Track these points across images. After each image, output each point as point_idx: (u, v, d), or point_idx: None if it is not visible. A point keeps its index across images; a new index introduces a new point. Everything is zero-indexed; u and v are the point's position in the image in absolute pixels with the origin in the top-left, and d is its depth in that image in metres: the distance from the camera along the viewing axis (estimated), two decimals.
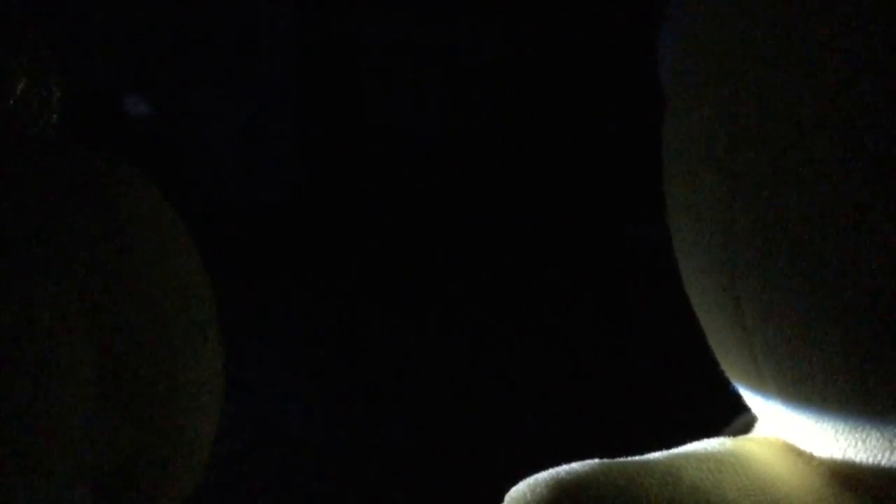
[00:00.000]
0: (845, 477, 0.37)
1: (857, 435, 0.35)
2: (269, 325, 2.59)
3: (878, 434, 0.34)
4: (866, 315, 0.33)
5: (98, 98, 2.97)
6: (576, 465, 0.37)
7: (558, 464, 0.37)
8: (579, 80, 2.95)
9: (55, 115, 0.44)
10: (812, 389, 0.35)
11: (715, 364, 0.41)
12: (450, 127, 3.17)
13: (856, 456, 0.36)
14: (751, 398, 0.40)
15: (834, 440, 0.36)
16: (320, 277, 2.89)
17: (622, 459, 0.37)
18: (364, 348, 2.50)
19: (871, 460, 0.35)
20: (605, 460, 0.37)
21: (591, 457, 0.37)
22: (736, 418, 0.46)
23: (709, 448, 0.39)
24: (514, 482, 0.37)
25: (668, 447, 0.40)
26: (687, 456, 0.38)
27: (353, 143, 3.24)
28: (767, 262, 0.35)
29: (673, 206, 0.40)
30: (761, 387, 0.38)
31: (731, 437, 0.41)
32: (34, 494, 0.36)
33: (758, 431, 0.43)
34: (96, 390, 0.40)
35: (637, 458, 0.38)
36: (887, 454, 0.35)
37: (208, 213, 2.86)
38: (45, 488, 0.37)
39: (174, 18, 3.17)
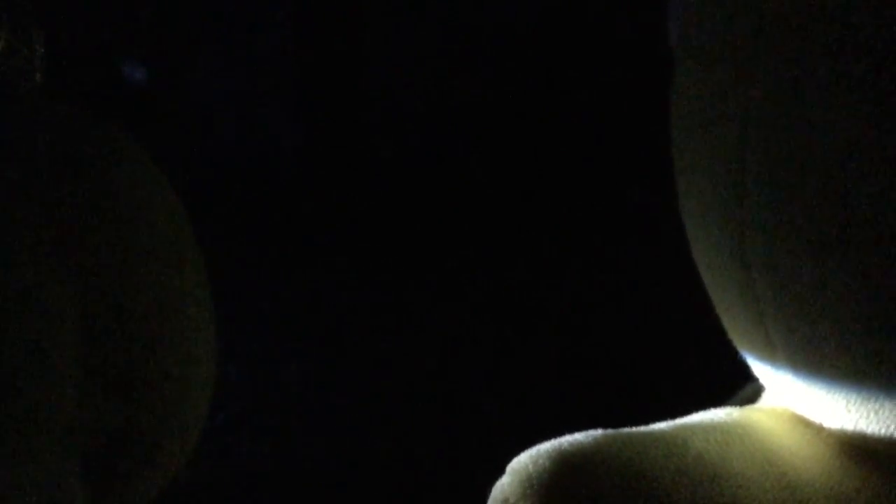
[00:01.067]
0: (856, 449, 0.36)
1: (869, 406, 0.34)
2: (265, 294, 2.59)
3: (891, 405, 0.34)
4: (882, 281, 0.32)
5: (94, 62, 2.94)
6: (579, 436, 0.36)
7: (561, 434, 0.36)
8: (583, 40, 2.93)
9: (39, 74, 0.43)
10: (823, 358, 0.34)
11: (723, 333, 0.40)
12: (449, 94, 3.15)
13: (867, 427, 0.35)
14: (759, 367, 0.39)
15: (845, 411, 0.35)
16: (317, 245, 2.88)
17: (627, 430, 0.37)
18: (361, 315, 2.50)
19: (883, 432, 0.35)
20: (610, 430, 0.36)
21: (596, 427, 0.37)
22: (743, 388, 0.45)
23: (715, 418, 0.39)
24: (517, 453, 0.36)
25: (674, 417, 0.39)
26: (693, 426, 0.38)
27: (353, 108, 3.22)
28: (779, 227, 0.34)
29: (681, 168, 0.39)
30: (770, 356, 0.37)
31: (738, 407, 0.41)
32: (22, 473, 0.35)
33: (765, 401, 0.42)
34: (83, 364, 0.39)
35: (642, 428, 0.37)
36: None
37: (203, 179, 2.85)
38: (34, 467, 0.36)
39: None
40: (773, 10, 0.34)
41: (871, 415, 0.34)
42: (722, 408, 0.40)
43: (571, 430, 0.37)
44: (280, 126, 3.23)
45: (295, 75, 3.19)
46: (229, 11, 3.16)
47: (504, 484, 0.35)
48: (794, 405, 0.39)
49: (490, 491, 0.36)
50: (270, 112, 3.22)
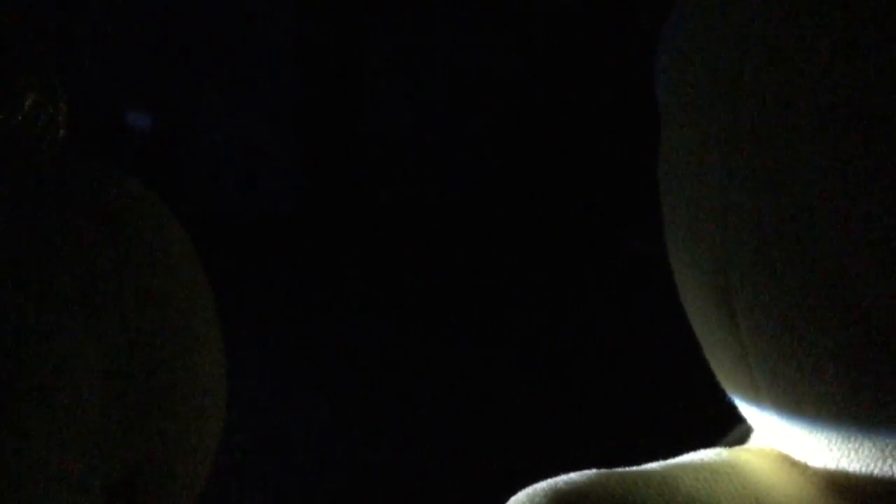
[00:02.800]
0: (839, 486, 0.37)
1: (850, 445, 0.35)
2: (272, 334, 2.59)
3: (870, 444, 0.35)
4: (858, 326, 0.33)
5: (102, 111, 2.97)
6: (574, 476, 0.37)
7: (556, 474, 0.37)
8: (578, 90, 2.96)
9: (62, 130, 0.45)
10: (805, 400, 0.36)
11: (710, 375, 0.41)
12: (450, 137, 3.18)
13: (849, 466, 0.36)
14: (746, 409, 0.40)
15: (827, 450, 0.36)
16: (322, 285, 2.89)
17: (619, 469, 0.38)
18: (366, 357, 2.50)
19: (864, 470, 0.36)
20: (603, 470, 0.37)
21: (589, 467, 0.38)
22: (732, 429, 0.46)
23: (705, 458, 0.40)
24: (513, 492, 0.37)
25: (665, 457, 0.40)
26: (683, 466, 0.39)
27: (355, 152, 3.24)
28: (762, 273, 0.35)
29: (669, 218, 0.40)
30: (756, 397, 0.38)
31: (727, 448, 0.42)
32: (43, 502, 0.37)
33: (753, 442, 0.43)
34: (102, 400, 0.41)
35: (634, 468, 0.38)
36: (880, 463, 0.35)
37: (211, 222, 2.86)
38: (52, 498, 0.37)
39: (177, 33, 3.17)
40: (755, 67, 0.36)
41: (852, 453, 0.36)
42: (712, 448, 0.41)
43: (567, 470, 0.38)
44: (284, 170, 3.25)
45: (298, 122, 3.22)
46: (234, 62, 3.20)
47: None
48: (781, 445, 0.40)
49: None
50: (275, 157, 3.24)
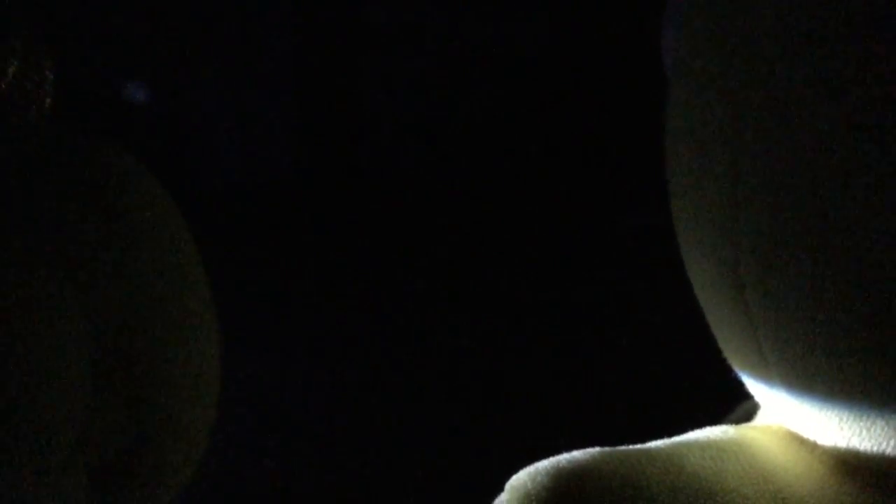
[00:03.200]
0: (849, 465, 0.37)
1: (861, 423, 0.35)
2: (268, 312, 2.59)
3: (883, 422, 0.34)
4: (873, 300, 0.33)
5: (94, 84, 2.96)
6: (577, 454, 0.36)
7: (559, 452, 0.37)
8: (578, 68, 2.95)
9: (49, 99, 0.44)
10: (816, 376, 0.35)
11: (717, 351, 0.41)
12: (447, 113, 3.17)
13: (860, 444, 0.35)
14: (754, 386, 0.40)
15: (838, 428, 0.36)
16: (318, 264, 2.89)
17: (624, 448, 0.37)
18: (362, 334, 2.50)
19: (875, 448, 0.35)
20: (607, 448, 0.37)
21: (593, 445, 0.37)
22: (738, 406, 0.46)
23: (711, 436, 0.39)
24: (515, 471, 0.37)
25: (670, 435, 0.39)
26: (689, 444, 0.38)
27: (353, 128, 3.24)
28: (772, 246, 0.35)
29: (675, 192, 0.39)
30: (765, 374, 0.38)
31: (734, 426, 0.41)
32: (30, 486, 0.36)
33: (760, 419, 0.43)
34: (92, 380, 0.40)
35: (639, 446, 0.38)
36: (892, 442, 0.35)
37: (205, 199, 2.86)
38: (42, 479, 0.37)
39: (173, 5, 3.16)
40: (767, 36, 0.35)
41: (864, 431, 0.35)
42: (718, 426, 0.41)
43: (569, 448, 0.37)
44: (280, 147, 3.24)
45: (295, 96, 3.21)
46: (230, 33, 3.18)
47: (503, 501, 0.36)
48: (789, 423, 0.39)
49: None
50: (270, 133, 3.23)
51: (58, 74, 0.43)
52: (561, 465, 0.36)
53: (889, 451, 0.35)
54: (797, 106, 0.33)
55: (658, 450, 0.37)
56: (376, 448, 2.01)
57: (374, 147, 3.19)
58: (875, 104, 0.32)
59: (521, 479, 0.36)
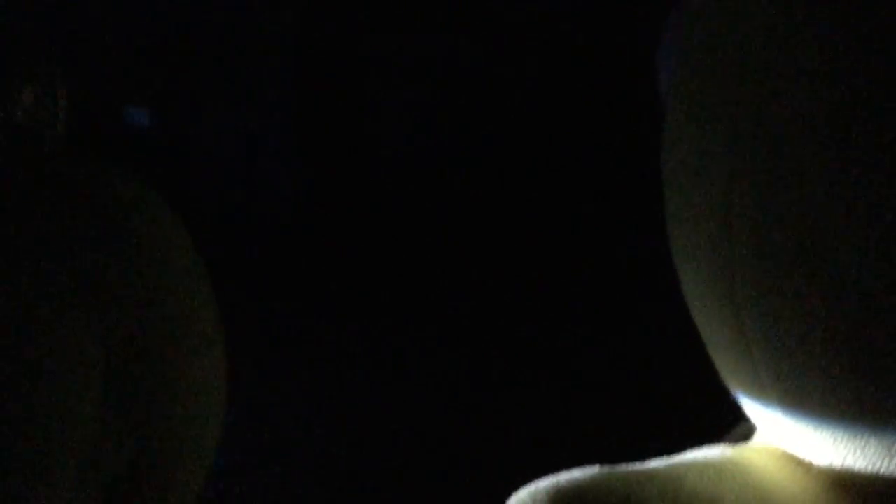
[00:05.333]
0: (844, 485, 0.37)
1: (856, 443, 0.35)
2: (273, 329, 2.59)
3: (876, 442, 0.35)
4: (866, 323, 0.33)
5: (103, 110, 2.98)
6: (576, 473, 0.37)
7: (559, 471, 0.37)
8: (579, 90, 2.96)
9: (62, 127, 0.45)
10: (811, 397, 0.35)
11: (714, 372, 0.41)
12: (450, 137, 3.18)
13: (855, 464, 0.36)
14: (750, 406, 0.40)
15: (833, 448, 0.36)
16: (322, 284, 2.88)
17: (623, 467, 0.38)
18: (366, 352, 2.49)
19: (870, 468, 0.35)
20: (606, 468, 0.37)
21: (592, 464, 0.38)
22: (736, 427, 0.46)
23: (709, 456, 0.39)
24: (515, 489, 0.37)
25: (669, 455, 0.40)
26: (687, 464, 0.38)
27: (354, 152, 3.24)
28: (766, 269, 0.35)
29: (672, 214, 0.40)
30: (761, 395, 0.38)
31: (731, 446, 0.41)
32: (40, 501, 0.36)
33: (757, 440, 0.43)
34: (102, 397, 0.41)
35: (637, 465, 0.38)
36: (886, 462, 0.35)
37: (212, 221, 2.86)
38: (51, 495, 0.37)
39: (177, 31, 3.17)
40: (760, 61, 0.35)
41: (858, 451, 0.35)
42: (715, 446, 0.41)
43: (569, 467, 0.38)
44: (284, 170, 3.25)
45: (298, 121, 3.22)
46: (235, 61, 3.20)
47: None
48: (785, 443, 0.40)
49: None
50: (275, 157, 3.24)
51: (70, 102, 0.44)
52: (560, 484, 0.36)
53: (883, 470, 0.35)
54: (791, 131, 0.34)
55: (656, 469, 0.38)
56: (377, 467, 2.00)
57: (375, 167, 3.20)
58: (870, 128, 0.32)
59: (522, 497, 0.36)
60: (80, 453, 0.38)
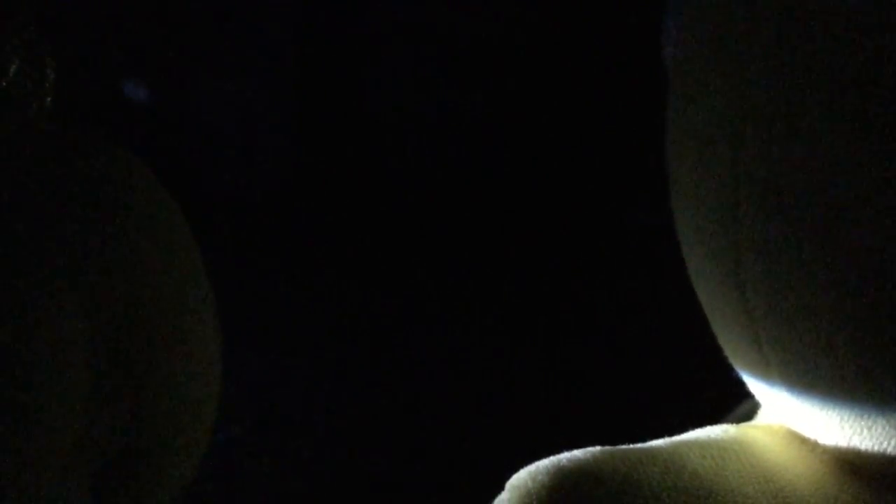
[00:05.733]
0: (850, 465, 0.37)
1: (862, 422, 0.35)
2: (267, 312, 2.59)
3: (884, 421, 0.34)
4: (873, 300, 0.33)
5: (97, 84, 2.96)
6: (577, 453, 0.36)
7: (560, 451, 0.37)
8: (580, 67, 2.95)
9: (49, 98, 0.44)
10: (817, 376, 0.35)
11: (719, 351, 0.41)
12: (448, 115, 3.16)
13: (861, 444, 0.35)
14: (755, 385, 0.40)
15: (839, 428, 0.36)
16: (318, 264, 2.88)
17: (624, 447, 0.37)
18: (362, 335, 2.50)
19: (876, 448, 0.35)
20: (608, 447, 0.37)
21: (594, 444, 0.37)
22: (739, 405, 0.46)
23: (712, 435, 0.39)
24: (516, 470, 0.37)
25: (671, 434, 0.39)
26: (690, 443, 0.38)
27: (352, 130, 3.23)
28: (772, 246, 0.35)
29: (677, 190, 0.39)
30: (766, 374, 0.38)
31: (735, 425, 0.41)
32: (30, 486, 0.36)
33: (761, 419, 0.43)
34: (93, 382, 0.40)
35: (639, 445, 0.38)
36: (893, 441, 0.35)
37: (206, 199, 2.86)
38: (42, 480, 0.37)
39: (174, 5, 3.15)
40: (768, 34, 0.35)
41: (865, 431, 0.35)
42: (718, 425, 0.41)
43: (570, 447, 0.37)
44: (280, 147, 3.24)
45: (295, 98, 3.21)
46: (231, 35, 3.18)
47: (503, 500, 0.36)
48: (790, 422, 0.39)
49: None
50: (271, 134, 3.23)
51: (59, 74, 0.43)
52: (562, 464, 0.36)
53: (890, 450, 0.35)
54: (798, 104, 0.33)
55: (659, 449, 0.37)
56: (376, 449, 2.00)
57: (374, 149, 3.19)
58: (877, 104, 0.32)
59: (522, 478, 0.36)
60: (69, 438, 0.38)
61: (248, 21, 3.17)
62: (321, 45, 3.18)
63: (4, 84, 0.40)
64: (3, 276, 0.37)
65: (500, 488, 0.37)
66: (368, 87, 3.19)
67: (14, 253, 0.38)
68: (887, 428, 0.34)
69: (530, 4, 3.00)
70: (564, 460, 0.36)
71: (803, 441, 0.39)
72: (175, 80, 3.19)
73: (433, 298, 2.61)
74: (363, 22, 3.14)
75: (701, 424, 0.40)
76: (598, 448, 0.37)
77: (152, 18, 3.12)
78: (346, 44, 3.17)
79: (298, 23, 3.16)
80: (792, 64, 0.34)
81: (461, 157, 3.09)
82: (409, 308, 2.58)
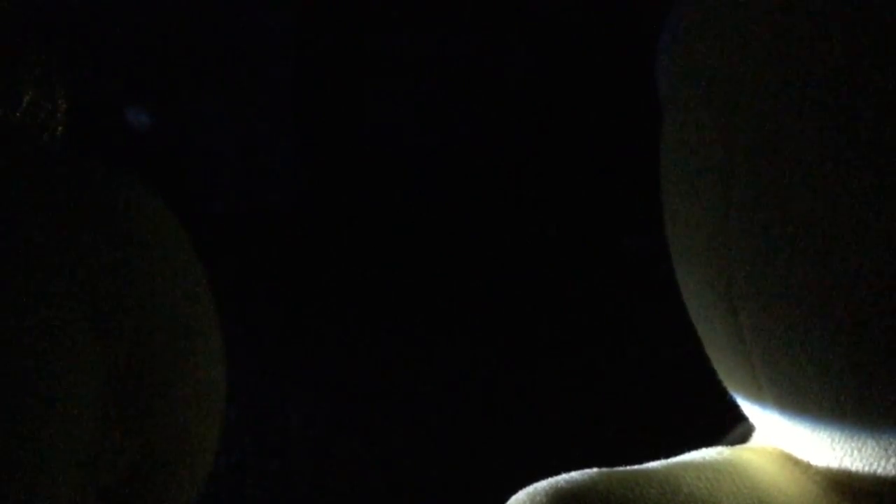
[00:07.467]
0: (842, 485, 0.37)
1: (853, 444, 0.35)
2: (272, 332, 2.59)
3: (874, 443, 0.35)
4: (863, 324, 0.33)
5: (100, 108, 2.98)
6: (575, 474, 0.37)
7: (557, 473, 0.37)
8: (577, 90, 2.96)
9: (61, 127, 0.45)
10: (809, 398, 0.36)
11: (712, 374, 0.41)
12: (449, 134, 3.18)
13: (852, 465, 0.36)
14: (748, 407, 0.40)
15: (830, 449, 0.36)
16: (322, 283, 2.88)
17: (621, 468, 0.38)
18: (366, 355, 2.49)
19: (867, 469, 0.36)
20: (604, 469, 0.37)
21: (591, 466, 0.38)
22: (734, 428, 0.46)
23: (707, 457, 0.39)
24: (514, 491, 0.37)
25: (667, 456, 0.40)
26: (685, 465, 0.38)
27: (355, 149, 3.24)
28: (764, 271, 0.35)
29: (670, 215, 0.40)
30: (758, 396, 0.38)
31: (729, 447, 0.41)
32: None
33: (755, 441, 0.43)
34: (101, 400, 0.41)
35: (636, 467, 0.38)
36: (883, 462, 0.35)
37: (210, 220, 2.86)
38: (50, 499, 0.37)
39: (174, 28, 3.18)
40: (756, 64, 0.36)
41: (855, 452, 0.35)
42: (713, 447, 0.41)
43: (568, 469, 0.38)
44: (283, 168, 3.25)
45: (297, 119, 3.22)
46: (233, 57, 3.20)
47: None
48: (783, 444, 0.40)
49: None
50: (273, 154, 3.24)
51: (69, 103, 0.44)
52: (559, 485, 0.36)
53: (880, 470, 0.35)
54: (790, 130, 0.34)
55: (655, 471, 0.38)
56: (376, 467, 2.00)
57: (376, 168, 3.20)
58: (866, 142, 0.32)
59: (521, 499, 0.36)
60: (79, 455, 0.38)
61: (250, 47, 3.19)
62: (323, 71, 3.20)
63: (18, 114, 0.41)
64: (17, 300, 0.38)
65: None
66: (371, 109, 3.20)
67: (27, 276, 0.39)
68: (877, 449, 0.35)
69: (529, 30, 3.02)
70: (562, 482, 0.36)
71: (796, 462, 0.39)
72: (179, 107, 3.20)
73: (434, 319, 2.61)
74: (365, 47, 3.16)
75: (696, 446, 0.41)
76: (595, 469, 0.37)
77: (155, 42, 3.15)
78: (348, 69, 3.18)
79: (301, 48, 3.18)
80: (781, 101, 0.34)
81: (462, 180, 3.10)
82: (409, 326, 2.58)
